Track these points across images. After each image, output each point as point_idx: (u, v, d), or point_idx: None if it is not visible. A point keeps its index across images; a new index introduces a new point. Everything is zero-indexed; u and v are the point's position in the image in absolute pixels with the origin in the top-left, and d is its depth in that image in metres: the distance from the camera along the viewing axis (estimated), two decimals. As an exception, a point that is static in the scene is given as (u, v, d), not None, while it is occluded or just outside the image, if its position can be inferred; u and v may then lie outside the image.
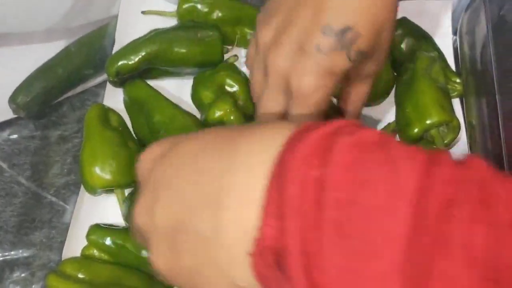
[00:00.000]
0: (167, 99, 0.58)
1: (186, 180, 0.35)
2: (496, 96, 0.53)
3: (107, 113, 0.58)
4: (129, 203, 0.53)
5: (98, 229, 0.53)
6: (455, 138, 0.55)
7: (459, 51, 0.61)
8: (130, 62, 0.57)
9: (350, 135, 0.31)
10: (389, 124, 0.58)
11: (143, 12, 0.64)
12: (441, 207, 0.28)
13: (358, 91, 0.50)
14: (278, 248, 0.30)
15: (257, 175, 0.32)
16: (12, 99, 0.59)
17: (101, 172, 0.53)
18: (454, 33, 0.63)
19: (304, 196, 0.30)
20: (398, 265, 0.27)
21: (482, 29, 0.58)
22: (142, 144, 0.57)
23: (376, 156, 0.30)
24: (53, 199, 0.59)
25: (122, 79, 0.58)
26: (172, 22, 0.62)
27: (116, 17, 0.65)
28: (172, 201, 0.35)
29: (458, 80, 0.59)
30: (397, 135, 0.56)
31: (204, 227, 0.33)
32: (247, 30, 0.63)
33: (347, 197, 0.29)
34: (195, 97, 0.59)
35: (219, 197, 0.33)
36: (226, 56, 0.62)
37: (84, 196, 0.57)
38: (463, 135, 0.57)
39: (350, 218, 0.29)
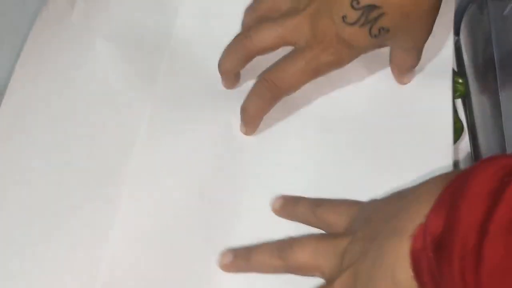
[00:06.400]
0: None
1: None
2: (499, 96, 0.53)
3: None
4: None
5: None
6: (457, 140, 0.55)
7: (462, 51, 0.61)
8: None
9: None
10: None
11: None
12: None
13: (401, 61, 0.52)
14: (441, 238, 0.33)
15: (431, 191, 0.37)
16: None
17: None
18: (456, 33, 0.62)
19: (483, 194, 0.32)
20: None
21: (485, 29, 0.57)
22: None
23: None
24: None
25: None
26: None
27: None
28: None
29: (460, 81, 0.58)
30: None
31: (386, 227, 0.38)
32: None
33: None
34: None
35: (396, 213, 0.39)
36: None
37: None
38: (465, 136, 0.57)
39: None
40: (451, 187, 0.35)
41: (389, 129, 0.51)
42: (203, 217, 0.48)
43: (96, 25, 0.57)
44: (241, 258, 0.44)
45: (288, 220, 0.47)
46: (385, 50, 0.52)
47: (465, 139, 0.57)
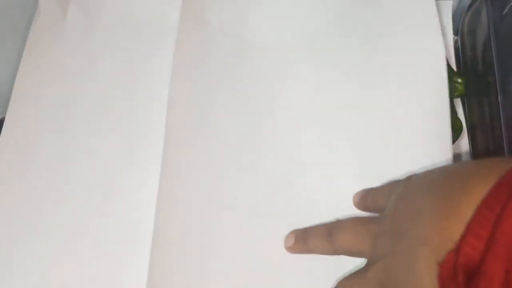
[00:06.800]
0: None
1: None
2: (498, 96, 0.53)
3: None
4: None
5: None
6: (457, 139, 0.55)
7: (460, 51, 0.61)
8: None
9: None
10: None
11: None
12: None
13: None
14: (472, 268, 0.30)
15: (471, 194, 0.33)
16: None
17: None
18: (456, 33, 0.62)
19: None
20: None
21: (484, 29, 0.57)
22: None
23: None
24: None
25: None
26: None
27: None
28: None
29: (459, 80, 0.58)
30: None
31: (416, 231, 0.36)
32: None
33: None
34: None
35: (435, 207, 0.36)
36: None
37: None
38: (464, 135, 0.57)
39: None
40: (488, 207, 0.31)
41: (388, 127, 0.51)
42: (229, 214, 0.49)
43: (92, 30, 0.56)
44: (300, 241, 0.45)
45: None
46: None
47: (464, 138, 0.57)
